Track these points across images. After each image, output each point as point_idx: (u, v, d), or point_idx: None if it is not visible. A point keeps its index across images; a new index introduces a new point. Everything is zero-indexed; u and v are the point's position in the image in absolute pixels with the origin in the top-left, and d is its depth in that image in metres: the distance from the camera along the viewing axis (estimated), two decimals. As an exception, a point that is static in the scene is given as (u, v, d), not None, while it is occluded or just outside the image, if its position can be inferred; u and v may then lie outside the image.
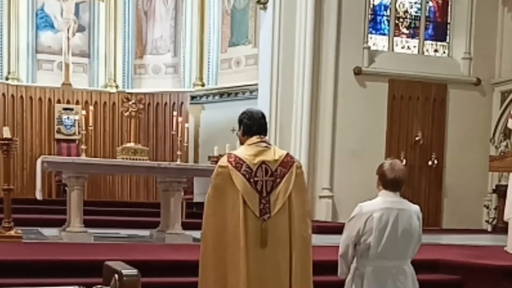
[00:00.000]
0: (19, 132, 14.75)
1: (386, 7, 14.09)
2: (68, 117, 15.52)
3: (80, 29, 15.92)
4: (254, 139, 4.57)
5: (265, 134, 4.65)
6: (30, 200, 11.66)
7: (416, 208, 4.55)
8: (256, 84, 14.05)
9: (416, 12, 14.33)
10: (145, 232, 10.15)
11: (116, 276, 3.24)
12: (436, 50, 14.44)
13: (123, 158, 9.87)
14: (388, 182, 4.46)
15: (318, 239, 9.54)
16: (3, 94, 15.05)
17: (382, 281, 4.41)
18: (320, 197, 12.99)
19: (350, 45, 13.11)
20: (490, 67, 14.11)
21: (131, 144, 10.26)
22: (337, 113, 13.05)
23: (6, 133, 8.72)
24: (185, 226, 9.43)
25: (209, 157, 13.34)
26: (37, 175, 9.25)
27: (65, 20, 15.48)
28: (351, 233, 4.46)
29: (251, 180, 4.42)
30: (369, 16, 13.69)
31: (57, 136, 15.52)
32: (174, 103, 15.90)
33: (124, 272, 3.27)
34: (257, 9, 14.29)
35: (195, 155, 15.58)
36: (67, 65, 15.48)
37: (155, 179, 11.41)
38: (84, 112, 9.97)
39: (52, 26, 15.92)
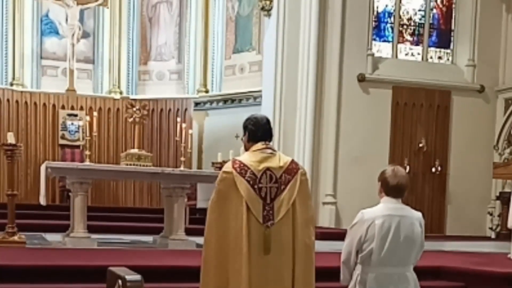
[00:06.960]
0: (23, 138, 14.75)
1: (390, 14, 14.12)
2: (72, 123, 15.55)
3: (85, 35, 15.97)
4: (259, 145, 4.53)
5: (270, 140, 4.60)
6: (34, 206, 11.71)
7: (418, 214, 4.54)
8: (260, 91, 14.09)
9: (420, 19, 14.34)
10: (148, 238, 10.16)
11: (120, 281, 3.27)
12: (440, 57, 14.46)
13: (127, 164, 9.88)
14: (390, 189, 4.45)
15: (321, 246, 9.53)
16: (8, 100, 15.07)
17: (384, 288, 4.42)
18: (324, 203, 12.99)
19: (354, 52, 13.13)
20: (494, 74, 14.12)
21: (135, 150, 10.28)
22: (341, 120, 13.06)
23: (11, 138, 8.75)
24: (189, 232, 9.45)
25: (213, 163, 13.33)
26: (41, 180, 9.29)
27: (70, 26, 15.52)
28: (353, 239, 4.45)
29: (255, 186, 4.38)
30: (373, 23, 13.72)
31: (61, 142, 15.54)
32: (178, 109, 15.92)
33: (128, 277, 3.30)
34: (261, 16, 14.34)
35: (199, 161, 15.62)
36: (71, 71, 15.52)
37: (159, 185, 11.42)
38: (88, 118, 9.98)
39: (56, 32, 15.97)
